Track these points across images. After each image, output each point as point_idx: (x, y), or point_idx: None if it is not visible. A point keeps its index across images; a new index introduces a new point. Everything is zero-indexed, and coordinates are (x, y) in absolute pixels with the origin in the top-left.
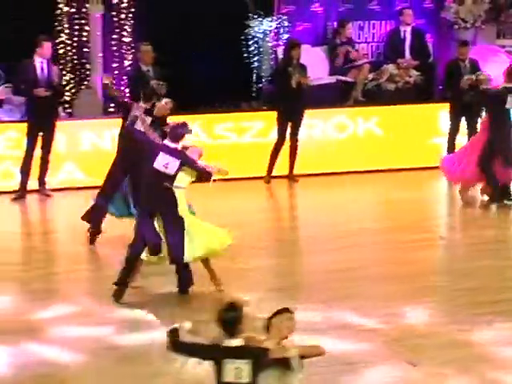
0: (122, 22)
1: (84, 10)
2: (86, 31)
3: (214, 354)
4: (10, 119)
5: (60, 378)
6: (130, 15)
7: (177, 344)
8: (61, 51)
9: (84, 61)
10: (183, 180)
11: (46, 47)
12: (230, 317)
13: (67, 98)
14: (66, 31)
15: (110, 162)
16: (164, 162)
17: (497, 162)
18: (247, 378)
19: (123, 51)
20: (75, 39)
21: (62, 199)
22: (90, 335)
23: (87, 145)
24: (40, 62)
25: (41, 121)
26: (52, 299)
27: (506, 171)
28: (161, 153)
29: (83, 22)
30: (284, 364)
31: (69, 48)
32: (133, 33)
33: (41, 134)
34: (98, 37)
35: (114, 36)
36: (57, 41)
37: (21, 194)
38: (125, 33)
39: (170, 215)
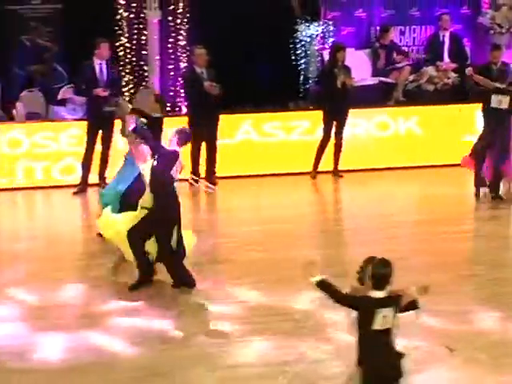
0: (178, 26)
1: (142, 15)
2: (145, 35)
3: (366, 304)
4: (72, 117)
5: (112, 366)
6: (186, 20)
7: (325, 283)
8: (121, 53)
9: (142, 63)
10: None
11: (104, 49)
12: (383, 272)
13: (126, 98)
14: (126, 35)
15: None
16: (177, 168)
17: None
18: (390, 324)
19: (179, 54)
20: (134, 42)
21: None
22: (147, 326)
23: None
24: (99, 64)
25: (100, 119)
26: (111, 289)
27: None
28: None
29: (141, 26)
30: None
31: (128, 51)
32: (188, 37)
33: (100, 131)
34: (155, 40)
35: (171, 40)
36: (117, 44)
37: (82, 187)
38: (180, 37)
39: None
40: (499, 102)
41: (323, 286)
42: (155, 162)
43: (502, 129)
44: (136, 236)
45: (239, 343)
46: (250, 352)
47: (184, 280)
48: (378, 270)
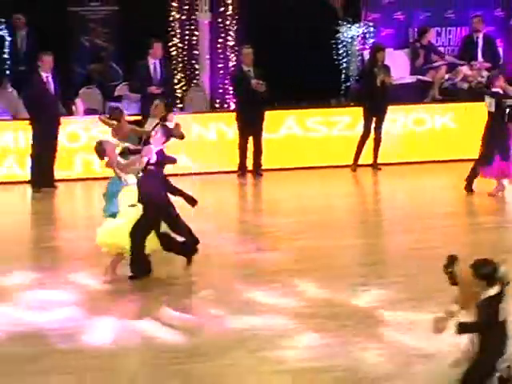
0: (227, 27)
1: (194, 17)
2: (196, 36)
3: (496, 304)
4: (127, 113)
5: (155, 350)
6: (234, 22)
7: (464, 326)
8: (173, 53)
9: (193, 62)
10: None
11: (157, 49)
12: (491, 270)
13: (178, 95)
14: (178, 36)
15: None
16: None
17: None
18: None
19: (228, 53)
20: (186, 43)
21: (180, 184)
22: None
23: (195, 135)
24: (153, 63)
25: None
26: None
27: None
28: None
29: (193, 27)
30: None
31: (180, 50)
32: (236, 37)
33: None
34: (205, 41)
35: (220, 40)
36: (170, 44)
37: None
38: (229, 37)
39: None
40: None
41: (465, 329)
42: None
43: None
44: (139, 234)
45: (286, 333)
46: (296, 343)
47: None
48: (487, 271)
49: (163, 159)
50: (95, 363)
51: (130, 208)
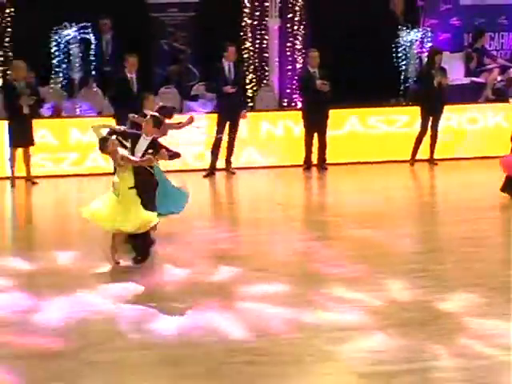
0: (295, 32)
1: (264, 22)
2: (266, 40)
3: None
4: (203, 111)
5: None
6: (302, 27)
7: None
8: (245, 56)
9: (264, 64)
10: None
11: (231, 51)
12: None
13: (250, 94)
14: (250, 40)
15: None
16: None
17: None
18: None
19: (295, 56)
20: (257, 46)
21: (244, 176)
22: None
23: (264, 132)
24: (227, 65)
25: (228, 113)
26: (236, 261)
27: None
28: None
29: (263, 32)
30: None
31: (251, 53)
32: (303, 41)
33: (228, 122)
34: (275, 44)
35: (288, 44)
36: (242, 47)
37: (210, 171)
38: (297, 41)
39: None
40: None
41: None
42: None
43: None
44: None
45: (357, 330)
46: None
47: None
48: None
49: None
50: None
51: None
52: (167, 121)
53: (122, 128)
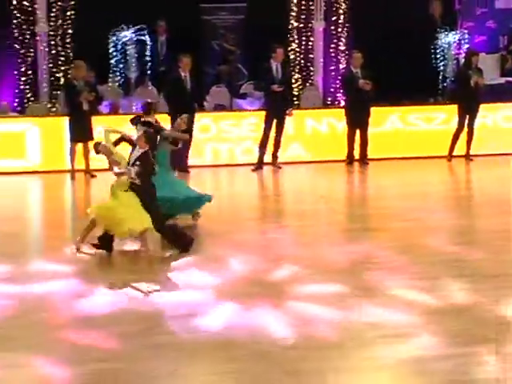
0: (339, 34)
1: (310, 25)
2: (311, 41)
3: None
4: (251, 108)
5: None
6: (345, 29)
7: None
8: (292, 56)
9: (309, 64)
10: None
11: (279, 53)
12: None
13: (296, 93)
14: (296, 41)
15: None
16: None
17: None
18: None
19: (339, 57)
20: (303, 48)
21: (289, 171)
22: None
23: (309, 129)
24: (275, 65)
25: (276, 110)
26: (282, 249)
27: None
28: None
29: (309, 34)
30: None
31: (298, 54)
32: (347, 43)
33: (275, 119)
34: (320, 46)
35: (332, 45)
36: (289, 49)
37: (258, 165)
38: (341, 43)
39: None
40: None
41: None
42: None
43: None
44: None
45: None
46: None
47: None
48: None
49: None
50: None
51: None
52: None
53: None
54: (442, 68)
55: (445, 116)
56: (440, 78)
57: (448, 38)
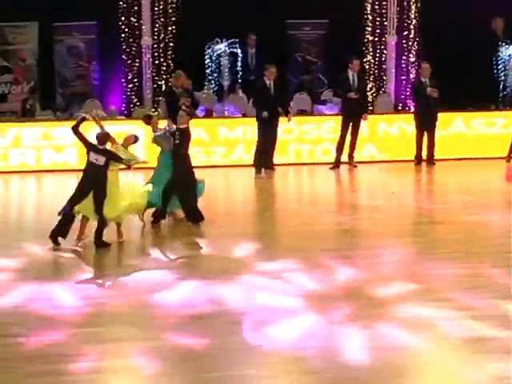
0: (410, 47)
1: (383, 39)
2: (384, 54)
3: None
4: (330, 113)
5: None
6: (416, 43)
7: None
8: (367, 67)
9: (382, 74)
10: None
11: (355, 63)
12: None
13: (370, 100)
14: (371, 53)
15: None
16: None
17: None
18: None
19: (409, 68)
20: (377, 59)
21: (363, 169)
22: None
23: (381, 132)
24: (351, 75)
25: (352, 115)
26: (356, 239)
27: None
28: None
29: (382, 47)
30: None
31: (372, 65)
32: (417, 55)
33: (351, 123)
34: (392, 58)
35: (403, 57)
36: (364, 60)
37: (336, 164)
38: (411, 55)
39: None
40: None
41: None
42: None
43: None
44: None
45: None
46: None
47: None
48: None
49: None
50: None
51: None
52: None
53: None
54: (502, 78)
55: (504, 121)
56: (501, 86)
57: (509, 51)
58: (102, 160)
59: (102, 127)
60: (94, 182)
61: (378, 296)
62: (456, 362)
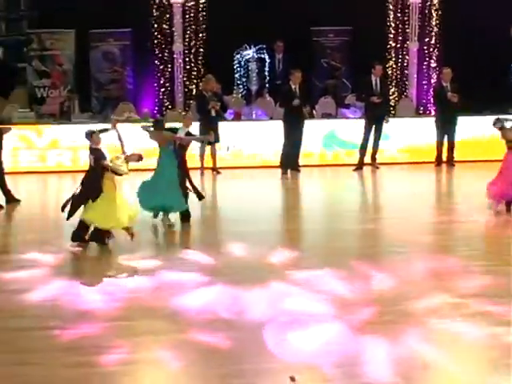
0: (431, 53)
1: (405, 45)
2: (406, 59)
3: None
4: (354, 117)
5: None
6: (437, 49)
7: None
8: (389, 72)
9: (404, 79)
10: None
11: (378, 69)
12: None
13: (392, 104)
14: (393, 59)
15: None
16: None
17: None
18: None
19: (430, 73)
20: (399, 65)
21: (386, 170)
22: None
23: (403, 134)
24: (374, 79)
25: (374, 118)
26: (378, 239)
27: None
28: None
29: (404, 53)
30: None
31: (394, 70)
32: (438, 60)
33: (374, 126)
34: (414, 63)
35: (425, 63)
36: (387, 65)
37: (359, 166)
38: (432, 61)
39: None
40: None
41: None
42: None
43: None
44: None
45: None
46: None
47: None
48: None
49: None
50: None
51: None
52: None
53: None
54: None
55: None
56: None
57: None
58: (91, 159)
59: (118, 135)
60: (84, 181)
61: (407, 305)
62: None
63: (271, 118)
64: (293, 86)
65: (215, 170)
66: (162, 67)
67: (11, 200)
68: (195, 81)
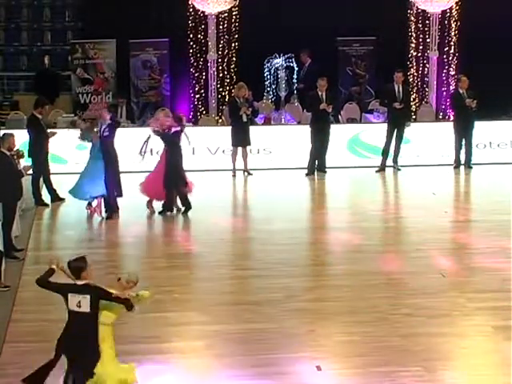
0: (450, 62)
1: (426, 54)
2: (427, 67)
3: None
4: (376, 121)
5: None
6: (455, 57)
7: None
8: (410, 79)
9: (424, 86)
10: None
11: (398, 76)
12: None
13: (413, 109)
14: (414, 67)
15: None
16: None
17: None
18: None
19: (449, 80)
20: (420, 72)
21: (407, 172)
22: None
23: (423, 138)
24: (397, 86)
25: (396, 123)
26: (399, 236)
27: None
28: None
29: (425, 61)
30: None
31: (415, 78)
32: (456, 69)
33: (395, 130)
34: (433, 71)
35: (444, 71)
36: (408, 73)
37: (381, 168)
38: (451, 69)
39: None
40: None
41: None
42: None
43: None
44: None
45: None
46: None
47: None
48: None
49: None
50: None
51: None
52: None
53: None
54: None
55: None
56: None
57: None
58: (86, 303)
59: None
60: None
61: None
62: None
63: (299, 123)
64: (320, 93)
65: (246, 171)
66: (196, 75)
67: (56, 199)
68: (228, 88)
